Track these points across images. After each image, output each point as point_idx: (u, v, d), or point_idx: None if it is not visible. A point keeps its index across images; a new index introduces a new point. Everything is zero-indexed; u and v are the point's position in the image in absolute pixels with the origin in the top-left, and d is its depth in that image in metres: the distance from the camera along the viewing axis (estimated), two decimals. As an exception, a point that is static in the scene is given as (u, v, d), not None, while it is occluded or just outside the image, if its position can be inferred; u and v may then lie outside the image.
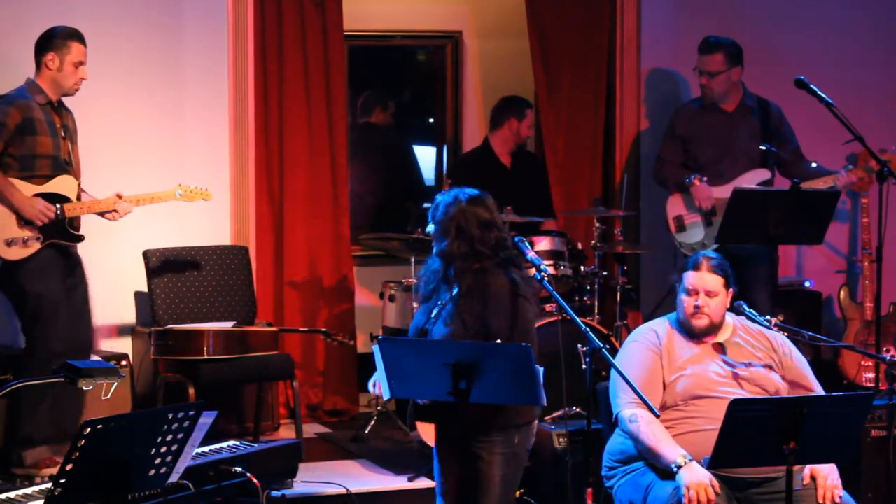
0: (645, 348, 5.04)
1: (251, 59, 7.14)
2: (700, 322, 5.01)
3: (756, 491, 4.83)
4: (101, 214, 6.21)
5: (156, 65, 7.00)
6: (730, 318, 5.14)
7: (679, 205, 7.00)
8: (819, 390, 5.06)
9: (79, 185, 6.19)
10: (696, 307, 5.00)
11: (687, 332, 5.06)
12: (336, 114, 7.35)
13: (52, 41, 6.10)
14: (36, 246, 6.04)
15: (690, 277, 5.03)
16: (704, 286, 5.00)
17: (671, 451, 4.77)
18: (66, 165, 6.13)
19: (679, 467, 4.71)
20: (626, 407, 4.89)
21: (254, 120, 7.17)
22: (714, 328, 5.05)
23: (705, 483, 4.65)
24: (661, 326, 5.12)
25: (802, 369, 5.10)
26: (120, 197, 6.15)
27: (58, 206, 6.06)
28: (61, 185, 6.10)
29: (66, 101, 6.24)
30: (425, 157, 8.84)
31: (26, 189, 6.03)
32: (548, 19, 7.64)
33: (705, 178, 6.86)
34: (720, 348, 5.05)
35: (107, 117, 6.86)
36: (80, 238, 6.18)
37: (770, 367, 5.05)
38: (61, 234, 6.09)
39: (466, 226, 4.65)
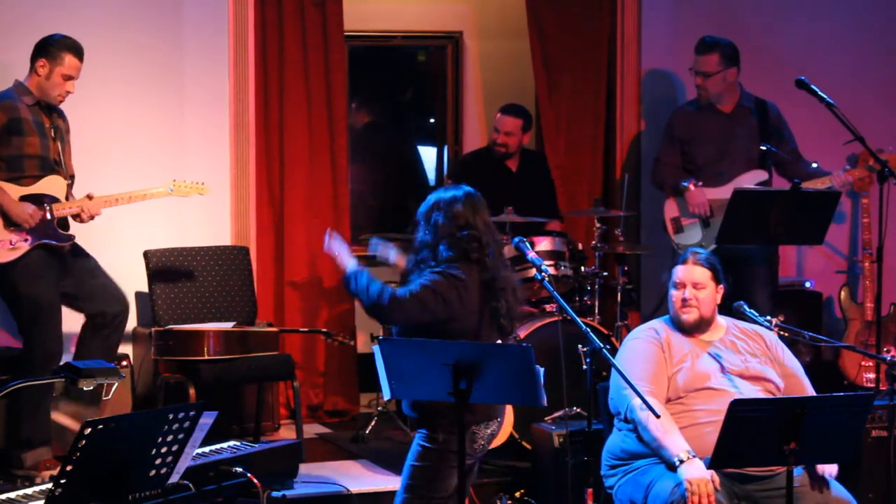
0: (647, 342, 5.09)
1: (251, 59, 7.13)
2: (688, 316, 5.06)
3: (756, 487, 4.85)
4: (75, 218, 6.14)
5: (156, 65, 7.00)
6: (722, 319, 5.19)
7: (676, 207, 6.99)
8: (810, 389, 5.09)
9: (68, 185, 6.14)
10: (684, 300, 5.06)
11: (678, 327, 5.11)
12: (336, 114, 7.35)
13: (48, 48, 6.04)
14: (24, 248, 5.99)
15: (678, 271, 5.12)
16: (691, 278, 5.07)
17: (676, 445, 4.79)
18: (54, 166, 6.09)
19: (681, 462, 4.73)
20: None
21: (254, 120, 7.17)
22: (704, 323, 5.10)
23: (707, 478, 4.67)
24: (659, 325, 5.18)
25: (794, 369, 5.15)
26: (90, 198, 6.10)
27: (46, 206, 6.03)
28: (49, 185, 6.06)
29: (66, 102, 6.20)
30: (426, 157, 8.84)
31: (13, 192, 5.98)
32: (548, 19, 7.64)
33: (700, 183, 6.85)
34: (713, 346, 5.09)
35: (107, 118, 6.85)
36: (70, 238, 6.14)
37: (766, 362, 5.09)
38: (50, 234, 6.06)
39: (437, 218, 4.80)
